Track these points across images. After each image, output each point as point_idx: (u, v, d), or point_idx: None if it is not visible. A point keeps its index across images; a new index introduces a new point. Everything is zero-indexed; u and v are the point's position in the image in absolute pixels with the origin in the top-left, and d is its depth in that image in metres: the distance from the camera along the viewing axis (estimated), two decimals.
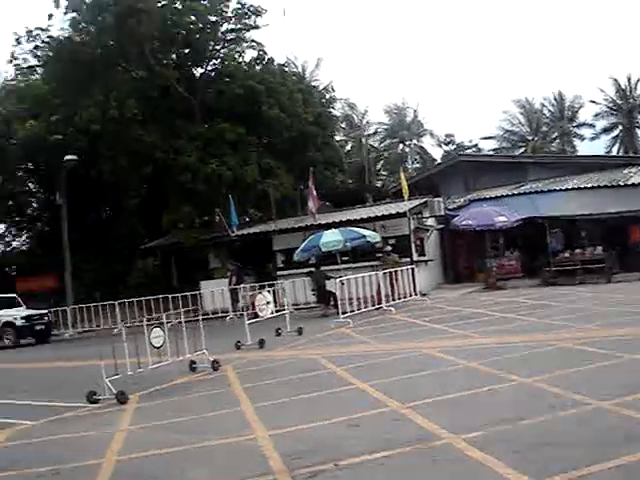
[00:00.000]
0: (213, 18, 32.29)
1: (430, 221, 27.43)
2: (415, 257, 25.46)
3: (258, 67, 34.00)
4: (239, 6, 32.20)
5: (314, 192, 27.39)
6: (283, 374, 11.64)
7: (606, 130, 54.89)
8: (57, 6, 30.07)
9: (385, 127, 59.92)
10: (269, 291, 18.04)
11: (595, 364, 9.34)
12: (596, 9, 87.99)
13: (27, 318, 26.24)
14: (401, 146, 58.96)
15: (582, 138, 56.30)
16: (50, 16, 30.50)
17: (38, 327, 26.51)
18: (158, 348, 11.91)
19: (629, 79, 53.71)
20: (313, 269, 23.38)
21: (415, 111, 58.83)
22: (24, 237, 43.10)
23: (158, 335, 11.96)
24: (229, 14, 32.38)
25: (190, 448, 7.40)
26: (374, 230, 24.69)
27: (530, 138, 56.30)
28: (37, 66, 34.94)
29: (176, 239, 31.13)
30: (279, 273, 27.23)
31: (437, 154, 58.01)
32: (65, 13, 30.34)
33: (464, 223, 25.79)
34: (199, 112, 31.94)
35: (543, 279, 23.85)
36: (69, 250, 31.49)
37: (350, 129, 55.82)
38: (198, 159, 29.54)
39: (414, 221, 26.15)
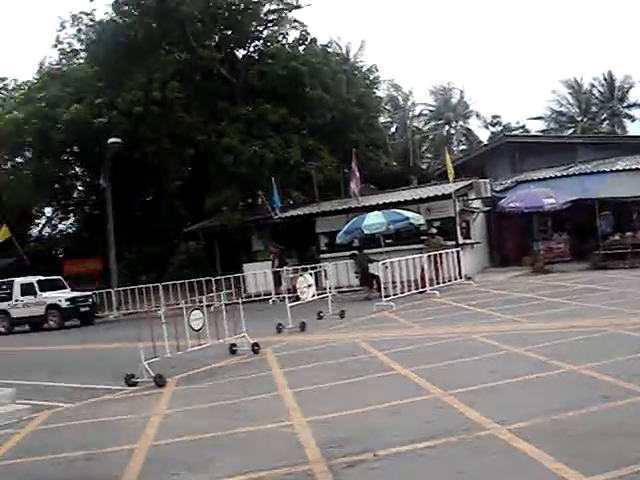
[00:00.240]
0: None
1: (476, 203, 26.86)
2: (460, 240, 24.93)
3: (301, 48, 33.65)
4: None
5: (357, 174, 27.06)
6: (323, 358, 11.40)
7: None
8: None
9: (430, 108, 58.97)
10: (311, 274, 17.79)
11: None
12: None
13: (72, 300, 26.50)
14: (447, 128, 58.00)
15: (632, 119, 54.63)
16: None
17: (83, 309, 26.78)
18: (197, 331, 11.79)
19: None
20: (356, 252, 23.08)
21: (461, 92, 57.75)
22: (71, 220, 43.68)
23: (197, 318, 11.84)
24: None
25: (224, 434, 7.21)
26: (418, 212, 24.26)
27: (579, 119, 54.87)
28: (81, 50, 35.12)
29: (219, 222, 31.08)
30: (322, 256, 26.96)
31: (483, 136, 56.84)
32: None
33: (511, 205, 25.15)
34: (241, 94, 31.76)
35: (592, 263, 23.13)
36: (113, 233, 31.73)
37: (395, 111, 55.10)
38: (240, 141, 29.40)
39: (459, 203, 25.61)
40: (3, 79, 43.73)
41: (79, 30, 32.91)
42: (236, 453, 6.55)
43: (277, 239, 28.20)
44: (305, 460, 5.96)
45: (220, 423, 7.67)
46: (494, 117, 57.23)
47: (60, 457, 7.09)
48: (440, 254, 20.99)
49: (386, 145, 40.05)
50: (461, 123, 58.30)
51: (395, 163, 45.24)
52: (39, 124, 32.55)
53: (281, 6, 32.49)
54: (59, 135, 32.63)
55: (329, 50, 36.73)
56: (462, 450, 5.81)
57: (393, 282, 19.47)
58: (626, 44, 78.49)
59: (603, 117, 56.11)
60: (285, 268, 24.75)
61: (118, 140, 29.22)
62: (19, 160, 37.31)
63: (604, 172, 26.62)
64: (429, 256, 20.66)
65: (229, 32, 33.08)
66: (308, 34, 33.79)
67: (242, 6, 31.79)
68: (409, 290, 19.57)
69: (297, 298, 16.77)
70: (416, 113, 58.46)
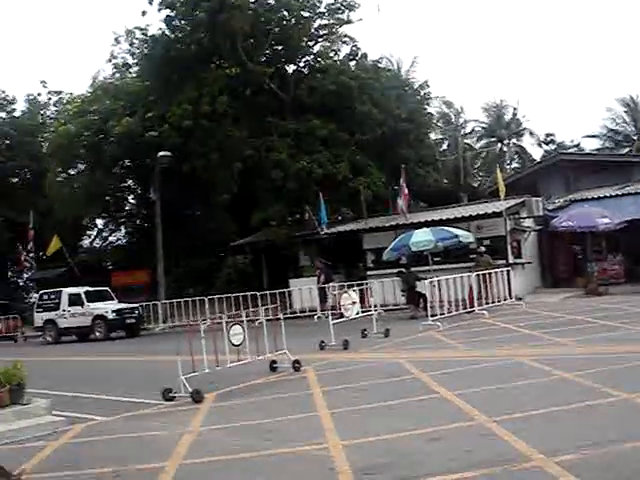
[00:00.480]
0: (306, 14, 32.02)
1: (528, 222, 26.26)
2: (511, 259, 24.37)
3: (352, 63, 33.53)
4: (332, 1, 31.88)
5: (406, 190, 26.74)
6: (365, 378, 11.03)
7: None
8: (150, 2, 30.49)
9: (483, 125, 58.25)
10: (355, 290, 17.47)
11: None
12: None
13: (118, 311, 26.67)
14: (499, 145, 57.20)
15: None
16: (144, 13, 31.04)
17: (129, 320, 26.93)
18: (237, 346, 11.56)
19: None
20: (403, 269, 22.70)
21: (514, 109, 56.85)
22: (122, 233, 44.25)
23: (237, 333, 11.62)
24: (322, 9, 32.08)
25: (257, 455, 6.92)
26: (468, 230, 23.74)
27: (635, 137, 53.55)
28: (133, 64, 35.61)
29: (266, 236, 31.00)
30: (369, 273, 26.64)
31: (537, 154, 55.88)
32: (159, 10, 30.77)
33: (564, 224, 24.48)
34: (290, 108, 31.74)
35: None
36: (162, 246, 31.92)
37: (446, 127, 54.55)
38: (289, 156, 29.36)
39: (511, 221, 25.05)
40: (59, 92, 44.68)
41: (131, 44, 33.34)
42: (265, 477, 6.26)
43: (324, 255, 27.94)
44: None
45: (253, 443, 7.39)
46: (548, 135, 56.24)
47: (86, 473, 6.89)
48: (490, 273, 20.49)
49: (436, 162, 39.51)
50: (514, 141, 57.40)
51: (445, 180, 44.70)
52: (91, 137, 33.05)
53: (332, 21, 32.47)
54: (111, 148, 33.03)
55: (380, 66, 36.48)
56: None
57: (440, 301, 19.07)
58: None
59: None
60: (331, 284, 24.49)
61: (168, 153, 29.50)
62: (72, 172, 37.86)
63: None
64: (478, 275, 20.18)
65: (279, 47, 33.13)
66: (359, 49, 33.73)
67: (293, 21, 31.87)
68: (457, 310, 19.12)
69: (341, 315, 16.48)
70: (468, 130, 57.82)
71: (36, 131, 43.51)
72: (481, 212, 25.33)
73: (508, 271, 21.72)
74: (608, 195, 27.09)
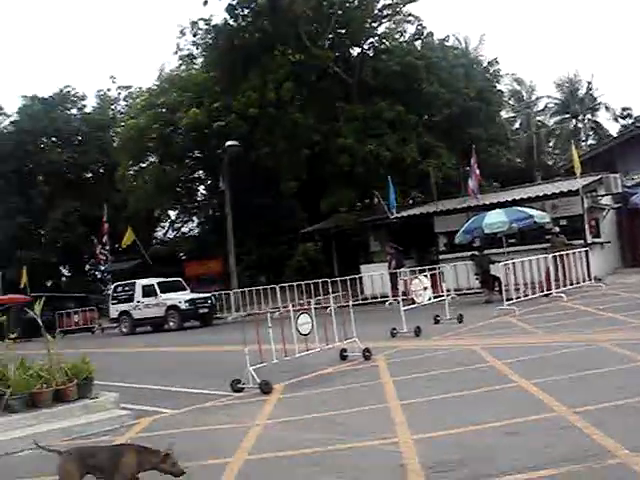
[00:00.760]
0: None
1: (606, 200, 25.26)
2: (589, 239, 23.48)
3: (417, 43, 32.85)
4: None
5: (477, 171, 26.08)
6: (437, 367, 10.65)
7: None
8: None
9: (556, 102, 56.55)
10: (426, 275, 17.02)
11: None
12: None
13: (191, 301, 26.85)
14: (573, 121, 55.45)
15: None
16: (205, 2, 30.97)
17: (202, 310, 27.08)
18: (305, 335, 11.35)
19: None
20: (476, 252, 22.12)
21: (589, 83, 54.97)
22: (195, 223, 44.81)
23: (305, 322, 11.40)
24: None
25: (324, 451, 6.66)
26: (543, 210, 22.93)
27: None
28: (198, 55, 35.81)
29: (336, 223, 30.78)
30: (442, 257, 26.13)
31: (613, 129, 53.92)
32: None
33: None
34: (356, 92, 31.36)
35: None
36: (233, 235, 32.08)
37: (518, 105, 53.18)
38: (356, 140, 29.00)
39: (588, 200, 24.13)
40: (128, 87, 45.43)
41: (195, 35, 33.51)
42: (331, 474, 5.98)
43: (394, 239, 27.51)
44: None
45: (320, 437, 7.13)
46: (624, 109, 54.05)
47: None
48: (567, 254, 19.72)
49: (508, 140, 38.50)
50: (589, 116, 55.53)
51: (518, 159, 43.64)
52: (160, 129, 33.39)
53: (396, 1, 31.79)
54: (180, 140, 33.32)
55: (447, 44, 35.66)
56: None
57: (516, 284, 18.44)
58: None
59: None
60: (402, 269, 24.09)
61: (235, 143, 29.56)
62: (142, 165, 38.44)
63: None
64: (555, 257, 19.46)
65: (343, 30, 32.74)
66: (424, 28, 33.08)
67: (356, 3, 31.39)
68: (533, 293, 18.46)
69: (413, 301, 16.09)
70: (540, 107, 56.27)
71: (107, 126, 44.45)
72: (556, 191, 24.50)
73: (586, 251, 20.92)
74: None
